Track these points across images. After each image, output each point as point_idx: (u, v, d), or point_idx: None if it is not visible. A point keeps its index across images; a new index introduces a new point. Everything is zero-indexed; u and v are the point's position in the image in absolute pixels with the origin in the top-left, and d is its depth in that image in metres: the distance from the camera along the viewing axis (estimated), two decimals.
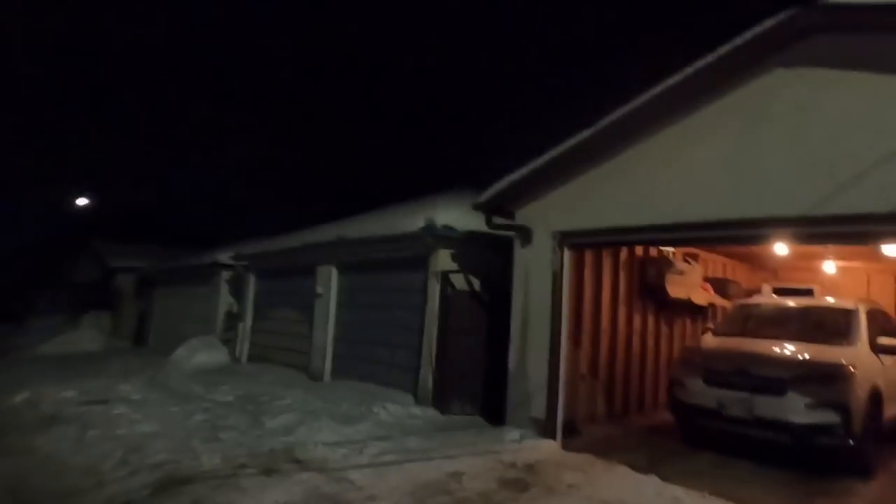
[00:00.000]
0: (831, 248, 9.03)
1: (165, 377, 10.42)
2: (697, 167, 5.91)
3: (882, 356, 6.59)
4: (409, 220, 8.87)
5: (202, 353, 12.53)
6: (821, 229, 5.33)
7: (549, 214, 7.14)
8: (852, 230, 5.14)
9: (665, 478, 5.38)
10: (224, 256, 14.15)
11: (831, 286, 9.79)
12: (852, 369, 6.05)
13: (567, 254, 7.04)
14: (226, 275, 14.21)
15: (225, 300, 14.20)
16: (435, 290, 8.46)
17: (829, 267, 10.11)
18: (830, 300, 7.93)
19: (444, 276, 8.40)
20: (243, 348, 13.30)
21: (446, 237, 8.40)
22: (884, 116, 4.82)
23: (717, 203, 5.67)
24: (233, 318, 13.80)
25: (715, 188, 5.74)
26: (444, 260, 8.51)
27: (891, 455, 6.53)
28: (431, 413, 7.77)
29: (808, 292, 9.51)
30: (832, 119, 5.11)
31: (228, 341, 13.54)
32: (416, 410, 7.81)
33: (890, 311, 8.40)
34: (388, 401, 7.96)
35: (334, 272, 10.81)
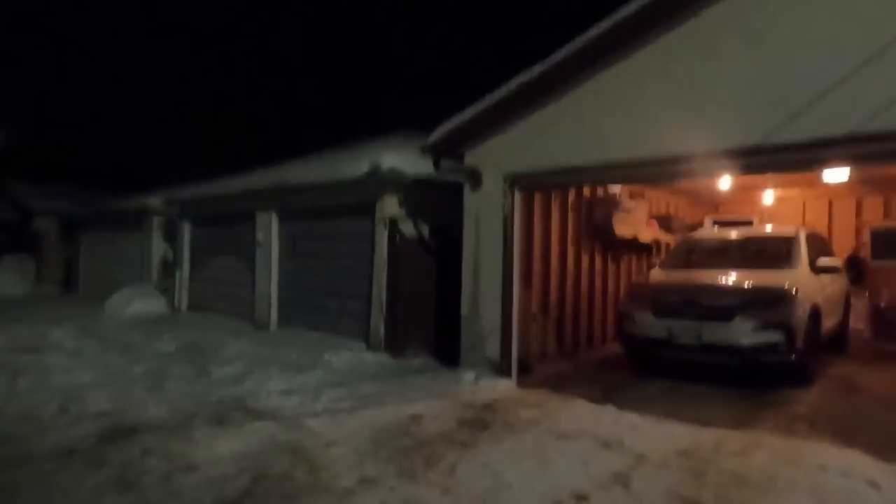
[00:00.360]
0: (770, 178, 9.25)
1: (101, 325, 9.91)
2: (649, 103, 5.74)
3: (821, 276, 6.84)
4: (354, 164, 8.42)
5: (138, 302, 11.95)
6: (774, 157, 5.24)
7: (498, 156, 6.91)
8: (805, 157, 5.10)
9: (620, 406, 5.45)
10: (155, 202, 13.28)
11: (770, 215, 10.10)
12: (795, 291, 6.25)
13: (517, 196, 6.87)
14: (157, 221, 13.41)
15: (158, 247, 13.48)
16: (383, 237, 8.17)
17: (768, 197, 10.40)
18: (770, 228, 8.16)
19: (392, 223, 8.11)
20: (182, 297, 12.71)
21: (393, 182, 8.06)
22: (836, 40, 4.73)
23: (670, 138, 5.54)
24: (169, 267, 13.13)
25: (667, 123, 5.58)
26: (391, 206, 8.19)
27: (826, 363, 7.03)
28: (384, 359, 7.60)
29: (748, 223, 9.81)
30: (784, 47, 5.00)
31: (167, 290, 12.88)
32: (369, 357, 7.63)
33: (824, 233, 8.76)
34: (339, 348, 7.74)
35: (275, 219, 10.32)
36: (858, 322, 9.21)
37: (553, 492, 3.66)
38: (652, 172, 6.34)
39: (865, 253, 9.81)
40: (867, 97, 4.51)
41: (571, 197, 8.77)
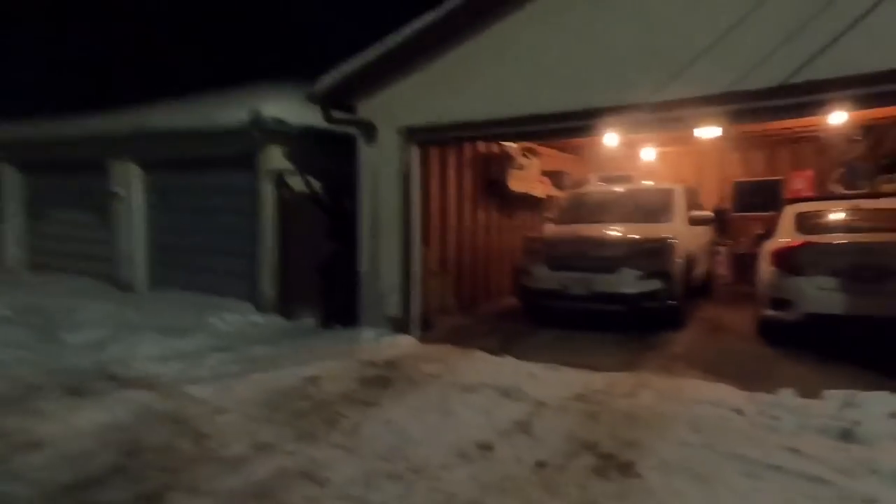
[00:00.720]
0: (648, 136, 9.77)
1: None
2: (545, 56, 5.71)
3: (694, 227, 7.39)
4: (230, 111, 7.64)
5: None
6: (660, 115, 5.39)
7: (394, 109, 6.62)
8: (688, 114, 5.32)
9: (518, 356, 5.59)
10: None
11: (648, 171, 10.73)
12: (673, 242, 6.69)
13: (415, 151, 6.68)
14: None
15: None
16: (269, 192, 7.62)
17: (647, 154, 11.02)
18: (650, 183, 8.66)
19: (279, 177, 7.59)
20: (12, 255, 11.13)
21: (277, 132, 7.48)
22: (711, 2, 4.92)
23: (565, 93, 5.57)
24: None
25: (563, 77, 5.60)
26: (276, 158, 7.63)
27: (696, 306, 7.73)
28: (276, 320, 7.21)
29: (628, 178, 10.38)
30: (671, 2, 5.12)
31: None
32: (259, 318, 7.19)
33: (695, 187, 9.49)
34: (224, 310, 7.18)
35: (136, 169, 9.27)
36: (721, 268, 10.17)
37: (458, 443, 3.65)
38: (548, 128, 6.36)
39: (728, 205, 10.78)
40: (741, 56, 4.78)
41: (468, 152, 8.74)
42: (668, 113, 5.29)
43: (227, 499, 2.93)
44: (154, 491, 2.99)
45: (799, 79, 4.53)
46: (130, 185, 9.28)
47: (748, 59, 4.74)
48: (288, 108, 7.63)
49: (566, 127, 6.11)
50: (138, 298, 8.44)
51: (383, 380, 4.92)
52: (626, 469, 3.30)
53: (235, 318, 7.00)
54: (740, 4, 4.77)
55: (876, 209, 6.36)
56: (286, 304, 7.46)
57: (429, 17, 6.02)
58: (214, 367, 5.15)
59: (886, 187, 8.42)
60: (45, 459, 3.31)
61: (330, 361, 5.36)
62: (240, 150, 7.77)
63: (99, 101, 10.93)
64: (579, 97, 5.50)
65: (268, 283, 7.63)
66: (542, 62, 5.75)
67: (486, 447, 3.61)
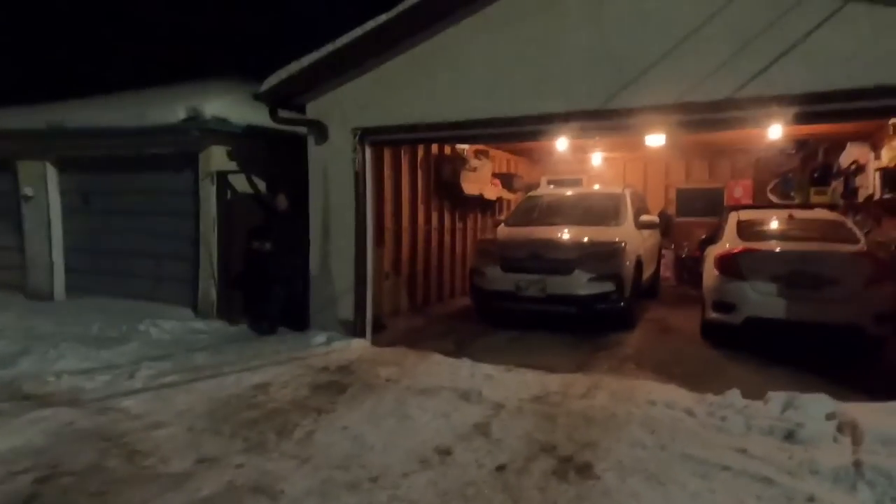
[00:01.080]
0: (598, 141, 10.00)
1: None
2: (499, 60, 5.71)
3: (642, 231, 7.60)
4: (165, 108, 7.26)
5: None
6: (611, 122, 5.51)
7: (345, 109, 6.48)
8: (638, 121, 5.43)
9: (474, 358, 5.56)
10: None
11: (596, 175, 11.00)
12: (624, 246, 6.85)
13: (367, 151, 6.56)
14: None
15: None
16: (210, 193, 7.27)
17: (596, 158, 11.29)
18: (598, 187, 8.87)
19: (221, 178, 7.28)
20: None
21: (219, 131, 7.17)
22: (670, 9, 5.03)
23: (519, 98, 5.59)
24: None
25: (516, 83, 5.62)
26: (218, 158, 7.31)
27: (643, 308, 7.96)
28: (218, 325, 6.90)
29: (577, 182, 10.60)
30: (624, 12, 5.21)
31: None
32: (199, 324, 6.85)
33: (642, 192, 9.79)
34: (159, 317, 6.82)
35: (51, 169, 8.67)
36: (665, 271, 10.52)
37: (417, 449, 3.58)
38: (502, 132, 6.37)
39: (672, 210, 11.18)
40: (689, 69, 4.93)
41: (420, 153, 8.70)
42: (620, 120, 5.41)
43: None
44: None
45: (743, 94, 4.72)
46: (45, 186, 8.64)
47: (697, 73, 4.90)
48: (232, 106, 7.34)
49: (519, 131, 6.15)
50: (54, 308, 7.88)
51: (337, 385, 4.79)
52: (585, 471, 3.32)
53: (173, 324, 6.64)
54: (689, 19, 4.93)
55: (810, 219, 6.73)
56: (229, 308, 7.17)
57: (381, 19, 5.93)
58: (150, 378, 4.81)
59: (816, 198, 8.95)
60: None
61: (279, 367, 5.18)
62: (178, 149, 7.41)
63: (16, 97, 10.17)
64: (533, 103, 5.54)
65: (208, 287, 7.30)
66: (495, 67, 5.75)
67: (445, 452, 3.55)
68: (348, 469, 3.30)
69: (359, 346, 6.09)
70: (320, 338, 6.23)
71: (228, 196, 7.29)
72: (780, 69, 4.58)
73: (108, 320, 6.72)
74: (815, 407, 3.83)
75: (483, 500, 3.02)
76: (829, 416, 3.74)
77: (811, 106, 4.59)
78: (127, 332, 6.30)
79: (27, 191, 8.73)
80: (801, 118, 4.92)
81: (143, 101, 8.07)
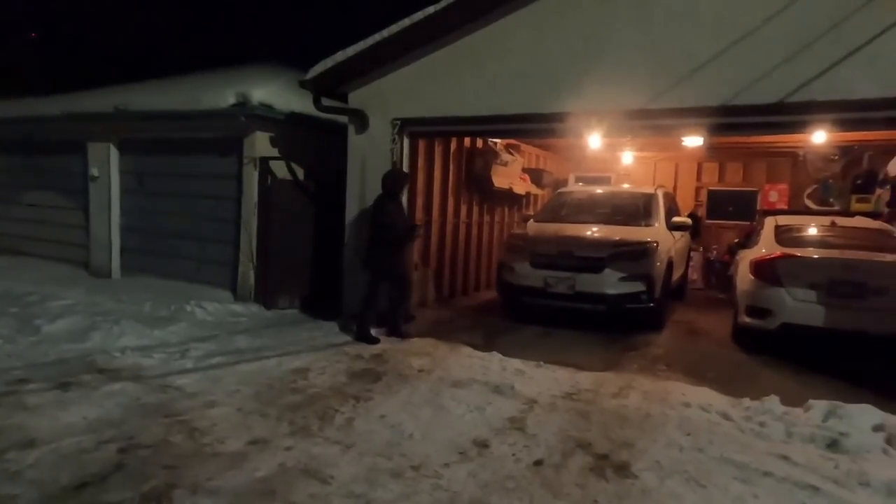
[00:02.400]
0: (630, 139, 9.91)
1: None
2: (542, 56, 5.72)
3: (673, 232, 7.55)
4: (216, 93, 7.43)
5: None
6: (656, 121, 5.52)
7: (387, 99, 6.54)
8: (681, 122, 5.44)
9: (504, 352, 5.60)
10: None
11: (625, 174, 10.92)
12: (656, 246, 6.82)
13: (405, 143, 6.62)
14: None
15: None
16: (253, 178, 7.45)
17: (626, 157, 11.20)
18: (628, 186, 8.81)
19: (264, 163, 7.41)
20: None
21: (264, 117, 7.32)
22: (722, 14, 5.00)
23: (564, 94, 5.59)
24: None
25: (562, 79, 5.63)
26: (262, 144, 7.46)
27: (671, 310, 7.88)
28: (256, 309, 7.06)
29: (606, 180, 10.52)
30: (674, 13, 5.18)
31: None
32: (239, 308, 7.02)
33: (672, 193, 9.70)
34: (202, 298, 7.01)
35: (114, 151, 8.94)
36: (693, 273, 10.44)
37: (455, 440, 3.64)
38: (541, 127, 6.41)
39: (702, 212, 11.06)
40: (736, 74, 4.88)
41: (454, 146, 8.70)
42: (666, 121, 5.39)
43: (234, 497, 2.84)
44: (158, 490, 2.88)
45: (795, 98, 4.67)
46: (108, 167, 8.93)
47: (743, 77, 4.85)
48: (276, 92, 7.46)
49: (556, 127, 6.16)
50: (113, 285, 8.16)
51: (373, 373, 4.88)
52: (622, 470, 3.35)
53: (215, 306, 6.83)
54: (743, 24, 4.87)
55: (852, 227, 6.62)
56: (266, 293, 7.31)
57: (427, 11, 5.97)
58: (199, 358, 5.02)
59: (857, 206, 8.78)
60: (41, 457, 3.16)
61: (316, 354, 5.30)
62: (224, 134, 7.57)
63: (80, 82, 10.49)
64: (577, 99, 5.53)
65: (248, 271, 7.46)
66: (536, 62, 5.76)
67: (483, 445, 3.61)
68: (390, 457, 3.38)
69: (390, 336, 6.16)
70: (353, 325, 6.30)
71: (269, 181, 7.41)
72: (835, 74, 4.51)
73: (158, 300, 6.97)
74: (861, 417, 3.78)
75: (523, 493, 3.07)
76: (877, 428, 3.69)
77: (866, 112, 4.53)
78: (175, 312, 6.55)
79: (94, 171, 9.02)
80: (854, 124, 4.86)
81: (195, 86, 8.27)
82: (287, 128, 7.50)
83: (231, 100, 7.23)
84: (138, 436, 3.47)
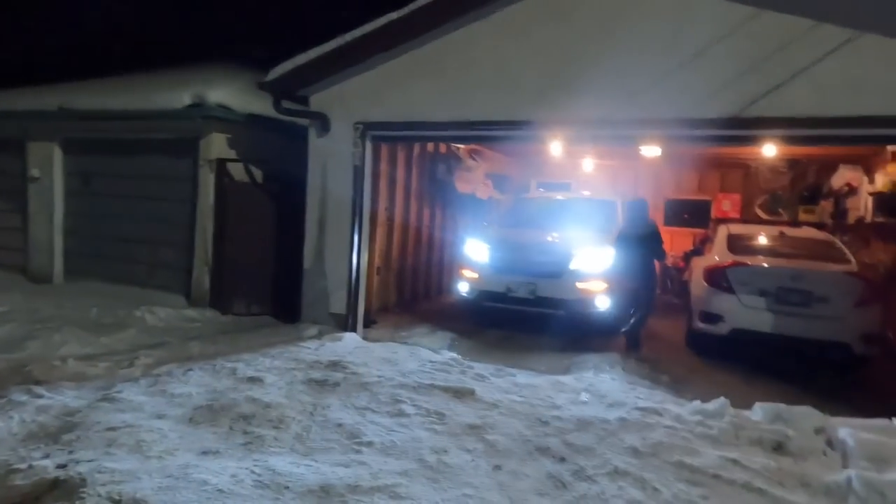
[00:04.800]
0: (589, 147, 10.09)
1: None
2: (506, 66, 5.78)
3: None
4: (171, 93, 7.22)
5: None
6: (616, 132, 5.69)
7: (349, 103, 6.49)
8: (640, 133, 5.59)
9: (465, 357, 5.63)
10: None
11: (586, 181, 11.10)
12: (613, 252, 6.93)
13: (368, 146, 6.57)
14: None
15: None
16: (209, 180, 7.26)
17: (587, 164, 11.39)
18: (592, 194, 8.96)
19: (220, 165, 7.24)
20: None
21: (221, 119, 7.15)
22: (679, 32, 5.17)
23: (527, 102, 5.66)
24: None
25: (526, 87, 5.70)
26: (219, 146, 7.29)
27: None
28: (211, 314, 6.87)
29: (566, 186, 10.69)
30: (634, 30, 5.30)
31: None
32: (192, 313, 6.82)
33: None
34: (153, 304, 6.78)
35: (57, 151, 8.56)
36: None
37: (414, 448, 3.62)
38: (501, 134, 6.43)
39: (659, 219, 11.32)
40: (691, 88, 5.04)
41: (416, 150, 8.70)
42: (623, 131, 5.51)
43: None
44: None
45: (746, 114, 4.84)
46: (51, 167, 8.53)
47: (698, 92, 5.01)
48: (234, 93, 7.31)
49: (517, 134, 6.23)
50: (54, 291, 7.80)
51: (330, 380, 4.78)
52: (580, 474, 3.39)
53: (167, 312, 6.61)
54: (697, 43, 5.03)
55: (800, 237, 6.89)
56: (222, 297, 7.12)
57: (391, 16, 5.95)
58: (149, 365, 4.82)
59: (804, 216, 9.16)
60: None
61: (273, 360, 5.16)
62: (179, 135, 7.36)
63: (21, 78, 9.99)
64: (540, 107, 5.60)
65: (202, 275, 7.25)
66: (499, 71, 5.81)
67: (442, 452, 3.59)
68: (348, 466, 3.31)
69: (350, 341, 6.09)
70: (311, 330, 6.23)
71: (225, 184, 7.23)
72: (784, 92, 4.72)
73: (105, 306, 6.70)
74: (804, 419, 3.95)
75: (480, 500, 3.06)
76: (818, 430, 3.86)
77: (812, 130, 4.74)
78: (124, 318, 6.29)
79: (34, 172, 8.60)
80: (802, 140, 5.09)
81: (148, 85, 7.99)
82: (246, 130, 7.35)
83: (187, 100, 7.03)
84: (77, 451, 3.27)
